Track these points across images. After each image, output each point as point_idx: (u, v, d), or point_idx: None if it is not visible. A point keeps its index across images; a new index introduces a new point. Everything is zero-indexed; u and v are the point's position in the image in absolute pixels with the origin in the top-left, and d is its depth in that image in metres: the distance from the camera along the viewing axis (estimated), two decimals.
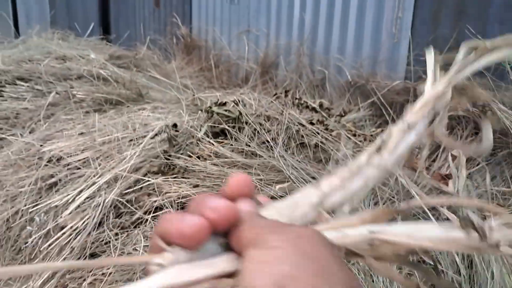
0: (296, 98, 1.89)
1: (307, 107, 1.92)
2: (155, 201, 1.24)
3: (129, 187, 1.30)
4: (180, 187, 1.24)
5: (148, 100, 1.87)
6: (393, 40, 2.12)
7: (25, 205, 1.34)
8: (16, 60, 2.19)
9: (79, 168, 1.41)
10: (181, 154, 1.35)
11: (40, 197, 1.39)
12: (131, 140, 1.42)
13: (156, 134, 1.45)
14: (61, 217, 1.23)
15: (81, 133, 1.56)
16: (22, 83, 2.03)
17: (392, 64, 2.16)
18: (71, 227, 1.21)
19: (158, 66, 2.91)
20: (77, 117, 1.68)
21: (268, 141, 1.50)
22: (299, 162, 1.43)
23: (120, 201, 1.26)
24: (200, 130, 1.48)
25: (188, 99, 1.76)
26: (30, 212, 1.33)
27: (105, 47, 2.83)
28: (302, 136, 1.60)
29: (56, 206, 1.28)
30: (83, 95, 1.79)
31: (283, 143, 1.49)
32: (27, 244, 1.26)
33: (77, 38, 4.02)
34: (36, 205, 1.31)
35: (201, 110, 1.64)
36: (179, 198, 1.21)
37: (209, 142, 1.42)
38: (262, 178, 1.29)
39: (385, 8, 2.12)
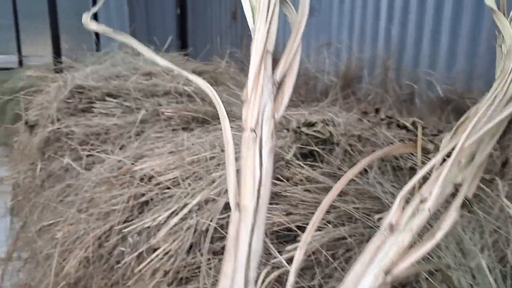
0: (387, 116, 1.79)
1: (398, 125, 1.80)
2: None
3: (219, 211, 1.27)
4: (272, 214, 1.19)
5: (233, 118, 1.85)
6: (493, 54, 1.95)
7: (118, 224, 1.36)
8: (105, 77, 2.27)
9: (169, 188, 1.41)
10: (274, 178, 1.30)
11: (132, 216, 1.40)
12: (218, 164, 1.40)
13: None
14: (153, 238, 1.23)
15: (171, 152, 1.56)
16: (111, 99, 2.10)
17: (491, 79, 1.98)
18: (164, 250, 1.20)
19: (236, 80, 2.92)
20: (166, 135, 1.70)
21: None
22: (396, 188, 1.33)
23: (212, 225, 1.24)
24: (289, 151, 1.43)
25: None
26: (123, 231, 1.34)
27: (187, 62, 2.87)
28: (396, 158, 1.50)
29: (149, 227, 1.28)
30: (171, 113, 1.81)
31: (377, 167, 1.39)
32: (119, 265, 1.27)
33: (156, 52, 4.16)
34: (129, 224, 1.32)
35: (287, 130, 1.59)
36: (272, 226, 1.16)
37: (299, 165, 1.36)
38: (359, 206, 1.21)
39: (484, 17, 1.96)
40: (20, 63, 5.58)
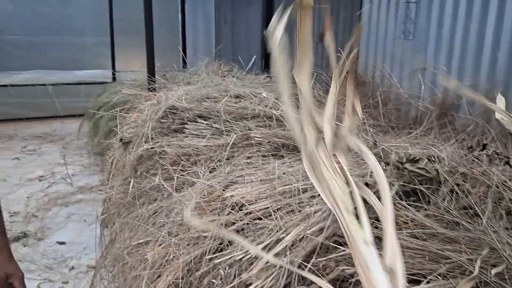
0: (496, 153, 1.63)
1: (507, 163, 1.64)
2: (344, 270, 1.13)
3: (314, 250, 1.21)
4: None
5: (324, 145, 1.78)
6: None
7: (208, 252, 1.35)
8: (196, 98, 2.31)
9: (260, 219, 1.37)
10: (372, 217, 1.21)
11: (222, 245, 1.38)
12: (313, 196, 1.34)
13: None
14: (246, 273, 1.19)
15: (261, 180, 1.53)
16: (202, 121, 2.13)
17: None
18: (256, 287, 1.16)
19: (320, 102, 2.86)
20: (256, 161, 1.67)
21: (470, 207, 1.28)
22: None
23: (305, 264, 1.17)
24: (390, 189, 1.33)
25: (368, 146, 1.63)
26: (213, 260, 1.32)
27: (274, 84, 2.86)
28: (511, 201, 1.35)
29: (240, 260, 1.24)
30: (260, 138, 1.79)
31: (491, 211, 1.26)
32: None
33: (242, 72, 4.23)
34: (220, 255, 1.30)
35: (386, 163, 1.50)
36: None
37: (401, 205, 1.26)
38: (472, 258, 1.08)
39: None
40: (114, 78, 5.95)
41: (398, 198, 1.30)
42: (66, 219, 3.62)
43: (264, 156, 1.72)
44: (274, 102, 2.23)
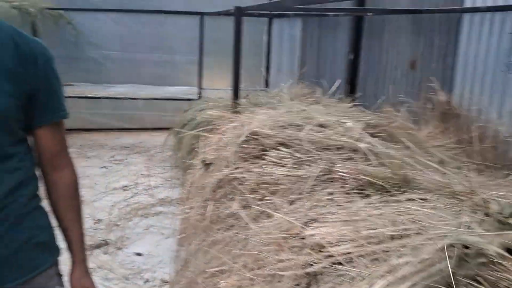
0: None
1: None
2: None
3: None
4: None
5: (413, 186, 1.66)
6: None
7: None
8: (279, 124, 2.28)
9: (341, 264, 1.28)
10: (472, 279, 1.08)
11: (298, 286, 1.31)
12: (403, 246, 1.23)
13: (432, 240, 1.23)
14: None
15: (344, 220, 1.45)
16: (283, 149, 2.09)
17: None
18: None
19: (411, 135, 2.70)
20: (339, 198, 1.59)
21: None
22: None
23: None
24: (492, 244, 1.19)
25: (465, 194, 1.49)
26: None
27: (361, 113, 2.76)
28: None
29: None
30: (344, 174, 1.71)
31: None
32: None
33: (325, 96, 4.16)
34: None
35: (487, 215, 1.35)
36: None
37: (506, 267, 1.11)
38: None
39: None
40: (200, 95, 6.15)
41: (500, 257, 1.15)
42: (145, 230, 3.75)
43: (347, 193, 1.64)
44: (360, 133, 2.14)
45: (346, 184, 1.68)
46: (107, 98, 6.14)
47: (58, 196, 1.36)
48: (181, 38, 6.86)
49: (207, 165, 2.39)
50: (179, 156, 4.43)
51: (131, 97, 6.18)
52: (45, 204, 1.35)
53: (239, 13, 2.84)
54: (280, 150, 2.09)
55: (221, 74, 7.12)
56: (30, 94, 1.20)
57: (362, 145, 2.01)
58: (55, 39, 5.95)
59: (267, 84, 7.31)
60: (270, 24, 7.12)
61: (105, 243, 3.45)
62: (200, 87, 6.36)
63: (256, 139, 2.20)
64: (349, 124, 2.30)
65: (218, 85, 7.13)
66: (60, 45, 5.90)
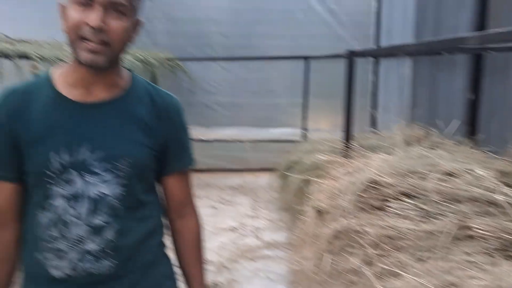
0: None
1: None
2: None
3: None
4: None
5: None
6: None
7: None
8: (398, 171, 2.15)
9: None
10: None
11: None
12: None
13: None
14: None
15: (487, 286, 1.27)
16: (406, 199, 1.95)
17: None
18: None
19: None
20: (478, 260, 1.41)
21: None
22: None
23: None
24: None
25: None
26: None
27: (489, 159, 2.51)
28: None
29: None
30: (482, 231, 1.52)
31: None
32: None
33: (440, 136, 3.89)
34: None
35: None
36: None
37: None
38: None
39: None
40: (304, 137, 6.16)
41: None
42: (253, 274, 3.73)
43: (490, 254, 1.45)
44: (494, 183, 1.92)
45: (487, 243, 1.49)
46: (216, 140, 6.43)
47: (183, 244, 1.39)
48: (284, 81, 7.03)
49: (320, 213, 2.31)
50: (285, 199, 4.41)
51: (237, 139, 6.39)
52: (169, 251, 1.38)
53: (351, 57, 2.80)
54: (403, 201, 1.95)
55: (324, 115, 7.10)
56: (163, 145, 1.26)
57: (500, 197, 1.80)
58: (172, 86, 6.42)
59: (374, 125, 7.10)
60: (376, 63, 6.98)
61: (215, 286, 3.48)
62: (304, 129, 6.38)
63: (375, 187, 2.09)
64: (479, 171, 2.09)
65: (321, 126, 7.10)
66: (176, 92, 6.33)
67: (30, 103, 1.17)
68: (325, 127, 7.13)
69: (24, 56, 2.80)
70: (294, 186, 3.84)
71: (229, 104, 6.98)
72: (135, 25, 1.18)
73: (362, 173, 2.29)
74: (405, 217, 1.84)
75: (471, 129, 3.82)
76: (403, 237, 1.74)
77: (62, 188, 1.16)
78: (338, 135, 6.12)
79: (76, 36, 1.08)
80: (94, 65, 1.10)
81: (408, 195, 1.97)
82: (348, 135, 2.92)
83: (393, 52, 4.39)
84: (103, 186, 1.16)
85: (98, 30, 1.06)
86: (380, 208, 1.97)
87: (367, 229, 1.84)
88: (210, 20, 6.94)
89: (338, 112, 7.01)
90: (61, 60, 3.28)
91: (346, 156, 2.92)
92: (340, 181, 2.54)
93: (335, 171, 2.82)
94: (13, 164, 1.19)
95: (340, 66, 6.74)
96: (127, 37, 1.14)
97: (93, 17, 1.05)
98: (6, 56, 2.60)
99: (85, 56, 1.09)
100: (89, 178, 1.16)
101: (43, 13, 5.39)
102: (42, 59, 3.05)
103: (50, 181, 1.16)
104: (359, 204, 2.06)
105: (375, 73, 7.07)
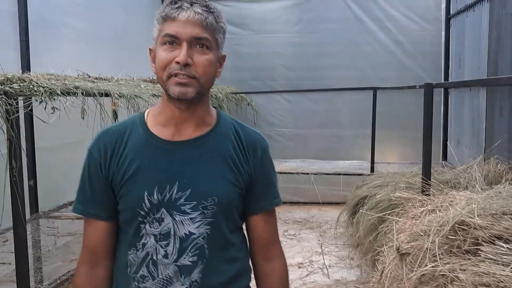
0: None
1: None
2: None
3: None
4: None
5: None
6: None
7: None
8: (489, 212, 1.99)
9: None
10: None
11: None
12: None
13: None
14: None
15: None
16: (502, 244, 1.79)
17: None
18: None
19: None
20: None
21: None
22: None
23: None
24: None
25: None
26: None
27: None
28: None
29: None
30: None
31: None
32: None
33: None
34: None
35: None
36: None
37: None
38: None
39: None
40: (372, 169, 5.98)
41: None
42: None
43: None
44: None
45: None
46: (280, 173, 6.39)
47: None
48: (349, 112, 6.93)
49: (402, 255, 2.18)
50: (355, 235, 4.25)
51: (302, 171, 6.31)
52: None
53: (430, 88, 2.69)
54: (497, 245, 1.79)
55: (390, 148, 6.88)
56: (249, 183, 1.25)
57: None
58: (237, 119, 6.52)
59: (445, 158, 6.77)
60: (446, 94, 6.72)
61: None
62: (372, 162, 6.19)
63: (464, 229, 1.94)
64: None
65: (388, 158, 6.87)
66: None
67: (124, 143, 1.22)
68: (392, 159, 6.90)
69: (106, 94, 2.95)
70: (366, 223, 3.69)
71: (294, 136, 6.97)
72: (220, 59, 1.22)
73: (447, 213, 2.15)
74: (502, 263, 1.69)
75: None
76: (501, 285, 1.59)
77: (152, 227, 1.17)
78: (406, 168, 5.91)
79: (166, 74, 1.13)
80: (184, 97, 1.13)
81: (503, 238, 1.81)
82: (427, 171, 2.77)
83: (479, 84, 4.19)
84: (191, 225, 1.17)
85: (185, 65, 1.11)
86: (471, 252, 1.82)
87: (459, 275, 1.70)
88: (274, 54, 7.05)
89: (404, 143, 6.83)
90: (138, 96, 3.43)
91: (425, 192, 2.77)
92: (421, 221, 2.40)
93: (414, 208, 2.68)
94: (107, 203, 1.23)
95: (406, 97, 6.62)
96: (213, 71, 1.17)
97: (180, 54, 1.11)
98: (89, 94, 2.75)
99: (174, 89, 1.13)
100: (178, 217, 1.17)
101: (118, 52, 5.76)
102: (121, 96, 3.20)
103: (142, 219, 1.18)
104: (447, 247, 1.92)
105: (446, 104, 6.80)
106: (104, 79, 4.07)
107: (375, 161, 6.34)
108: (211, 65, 1.16)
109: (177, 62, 1.11)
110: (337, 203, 6.01)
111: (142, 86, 4.19)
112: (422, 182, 2.81)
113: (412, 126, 6.71)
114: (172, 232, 1.17)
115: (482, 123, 5.28)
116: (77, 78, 3.53)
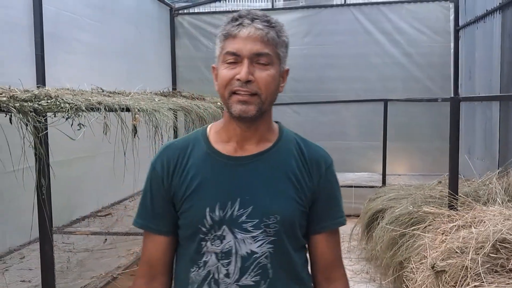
0: None
1: None
2: None
3: None
4: None
5: None
6: None
7: None
8: None
9: None
10: None
11: None
12: None
13: None
14: None
15: None
16: None
17: None
18: None
19: None
20: None
21: None
22: None
23: None
24: None
25: None
26: None
27: None
28: None
29: None
30: None
31: None
32: None
33: None
34: None
35: None
36: None
37: None
38: None
39: None
40: (384, 182, 5.94)
41: None
42: None
43: None
44: None
45: None
46: None
47: None
48: (357, 124, 6.92)
49: (438, 272, 2.13)
50: (373, 249, 4.19)
51: None
52: None
53: (455, 101, 2.67)
54: None
55: (400, 159, 6.85)
56: (313, 200, 1.20)
57: None
58: None
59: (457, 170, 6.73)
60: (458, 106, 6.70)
61: None
62: (384, 174, 6.15)
63: (506, 247, 1.90)
64: None
65: (398, 170, 6.83)
66: None
67: (186, 158, 1.20)
68: (401, 171, 6.86)
69: (127, 109, 2.92)
70: (386, 237, 3.63)
71: None
72: (283, 74, 1.19)
73: (484, 229, 2.10)
74: None
75: None
76: None
77: (214, 245, 1.14)
78: (416, 179, 5.86)
79: (228, 92, 1.12)
80: (245, 115, 1.11)
81: None
82: (454, 185, 2.73)
83: (508, 99, 4.16)
84: (253, 244, 1.13)
85: (246, 82, 1.09)
86: None
87: None
88: None
89: (413, 154, 6.80)
90: (156, 111, 3.39)
91: (452, 207, 2.72)
92: (452, 236, 2.36)
93: (442, 224, 2.63)
94: (168, 218, 1.21)
95: (414, 108, 6.60)
96: (274, 86, 1.15)
97: (241, 71, 1.09)
98: (111, 109, 2.71)
99: (236, 107, 1.11)
100: (240, 235, 1.13)
101: (129, 66, 5.75)
102: (140, 110, 3.17)
103: (204, 236, 1.15)
104: (490, 265, 1.87)
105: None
106: (119, 93, 4.04)
107: (386, 173, 6.30)
108: (273, 80, 1.13)
109: (238, 79, 1.10)
110: (348, 215, 5.94)
111: (156, 100, 4.16)
112: (449, 196, 2.77)
113: (420, 137, 6.70)
114: (233, 251, 1.14)
115: (495, 135, 5.26)
116: (92, 93, 3.50)
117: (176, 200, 1.19)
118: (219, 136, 1.22)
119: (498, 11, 5.10)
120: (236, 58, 1.11)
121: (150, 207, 1.22)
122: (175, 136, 5.81)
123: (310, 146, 1.25)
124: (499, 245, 1.90)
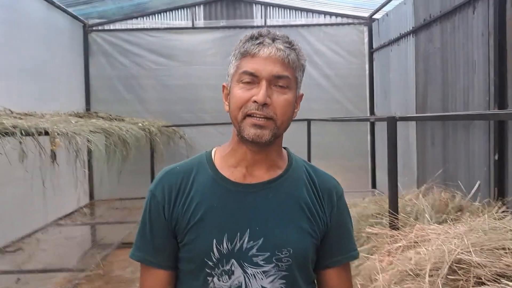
0: None
1: None
2: None
3: None
4: None
5: None
6: None
7: None
8: (487, 248, 1.96)
9: None
10: None
11: None
12: None
13: None
14: None
15: None
16: (506, 282, 1.75)
17: None
18: None
19: None
20: None
21: None
22: None
23: None
24: None
25: None
26: None
27: None
28: None
29: None
30: None
31: None
32: None
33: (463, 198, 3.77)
34: None
35: None
36: None
37: None
38: None
39: None
40: None
41: None
42: None
43: None
44: None
45: None
46: None
47: None
48: (286, 143, 6.94)
49: None
50: None
51: None
52: None
53: (392, 122, 2.70)
54: (503, 283, 1.75)
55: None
56: (325, 232, 1.13)
57: None
58: (169, 153, 6.27)
59: (374, 186, 7.01)
60: (372, 124, 7.02)
61: None
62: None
63: (463, 268, 1.89)
64: None
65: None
66: (174, 158, 6.15)
67: (190, 184, 1.09)
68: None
69: (45, 132, 2.57)
70: None
71: None
72: (297, 99, 1.13)
73: (434, 249, 2.09)
74: None
75: (499, 190, 3.72)
76: None
77: (221, 280, 1.05)
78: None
79: (242, 114, 1.04)
80: (258, 140, 1.03)
81: (505, 276, 1.78)
82: (394, 204, 2.74)
83: (436, 119, 4.37)
84: (264, 279, 1.05)
85: (263, 105, 1.02)
86: None
87: None
88: (205, 86, 6.90)
89: (338, 173, 6.94)
90: (77, 134, 3.05)
91: (393, 227, 2.73)
92: (399, 258, 2.33)
93: (386, 245, 2.61)
94: (169, 251, 1.10)
95: (334, 127, 6.78)
96: (290, 111, 1.08)
97: (259, 93, 1.02)
98: (28, 133, 2.36)
99: (250, 131, 1.03)
100: (250, 269, 1.05)
101: (39, 86, 5.23)
102: (60, 133, 2.82)
103: (210, 271, 1.05)
104: (448, 287, 1.84)
105: (372, 133, 7.09)
106: (31, 115, 3.61)
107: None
108: (290, 105, 1.07)
109: (255, 101, 1.02)
110: None
111: (73, 122, 3.78)
112: (389, 216, 2.77)
113: (340, 155, 6.89)
114: (243, 287, 1.05)
115: (413, 153, 5.54)
116: (1, 115, 3.07)
117: (179, 230, 1.08)
118: (226, 161, 1.12)
119: (411, 34, 5.43)
120: (253, 79, 1.04)
121: (150, 238, 1.10)
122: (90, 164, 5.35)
123: (320, 174, 1.18)
124: (456, 266, 1.88)
